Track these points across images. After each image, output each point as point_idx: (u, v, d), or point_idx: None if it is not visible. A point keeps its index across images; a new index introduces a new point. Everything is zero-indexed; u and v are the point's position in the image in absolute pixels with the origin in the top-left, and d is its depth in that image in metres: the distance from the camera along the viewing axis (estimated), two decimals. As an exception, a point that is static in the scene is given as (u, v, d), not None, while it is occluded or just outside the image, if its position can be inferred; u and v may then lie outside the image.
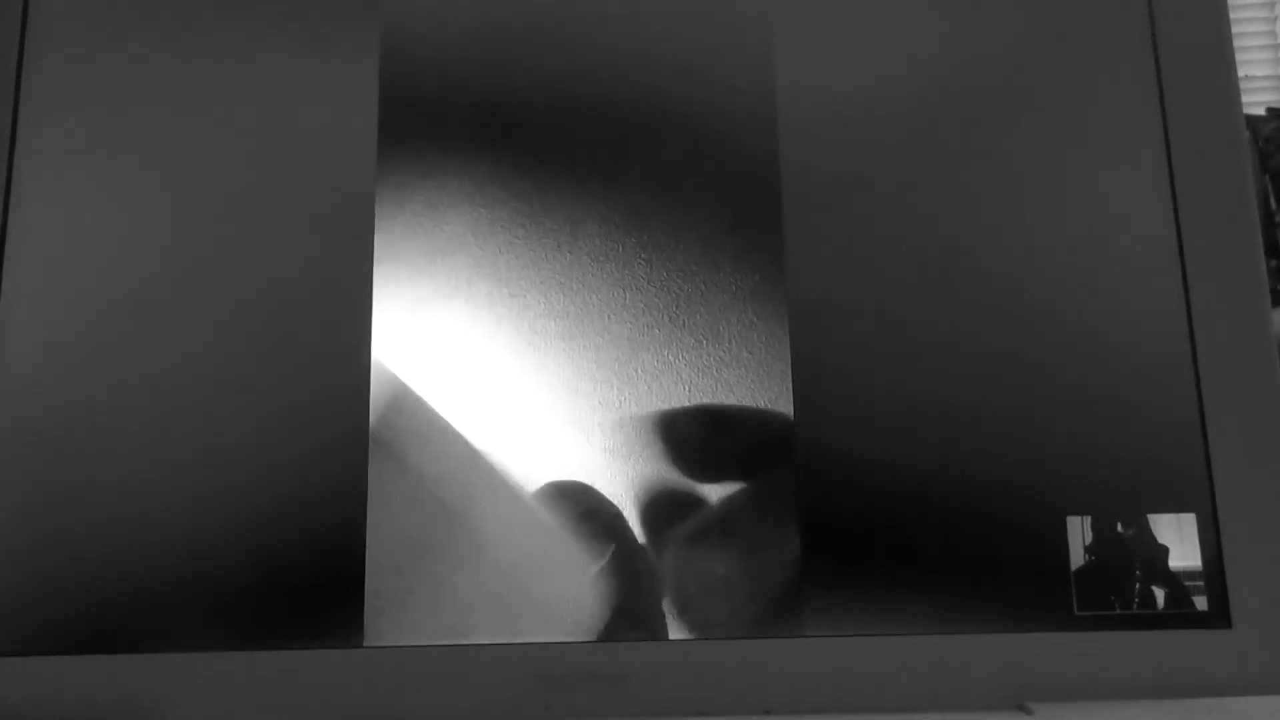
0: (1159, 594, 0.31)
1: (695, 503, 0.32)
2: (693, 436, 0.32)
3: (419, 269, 0.33)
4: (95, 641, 0.32)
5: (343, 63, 0.35)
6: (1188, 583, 0.31)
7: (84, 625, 0.32)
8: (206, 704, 0.31)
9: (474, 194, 0.34)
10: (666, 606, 0.31)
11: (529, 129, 0.34)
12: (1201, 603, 0.31)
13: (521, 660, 0.31)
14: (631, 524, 0.32)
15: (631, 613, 0.31)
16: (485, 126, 0.34)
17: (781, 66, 0.34)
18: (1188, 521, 0.31)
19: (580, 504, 0.32)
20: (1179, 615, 0.31)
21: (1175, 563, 0.31)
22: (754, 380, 0.32)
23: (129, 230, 0.34)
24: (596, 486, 0.32)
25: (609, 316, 0.33)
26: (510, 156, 0.34)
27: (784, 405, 0.32)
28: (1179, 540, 0.31)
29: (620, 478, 0.32)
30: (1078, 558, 0.31)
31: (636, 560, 0.31)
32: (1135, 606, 0.31)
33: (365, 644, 0.31)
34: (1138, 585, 0.31)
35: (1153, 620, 0.31)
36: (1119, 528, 0.31)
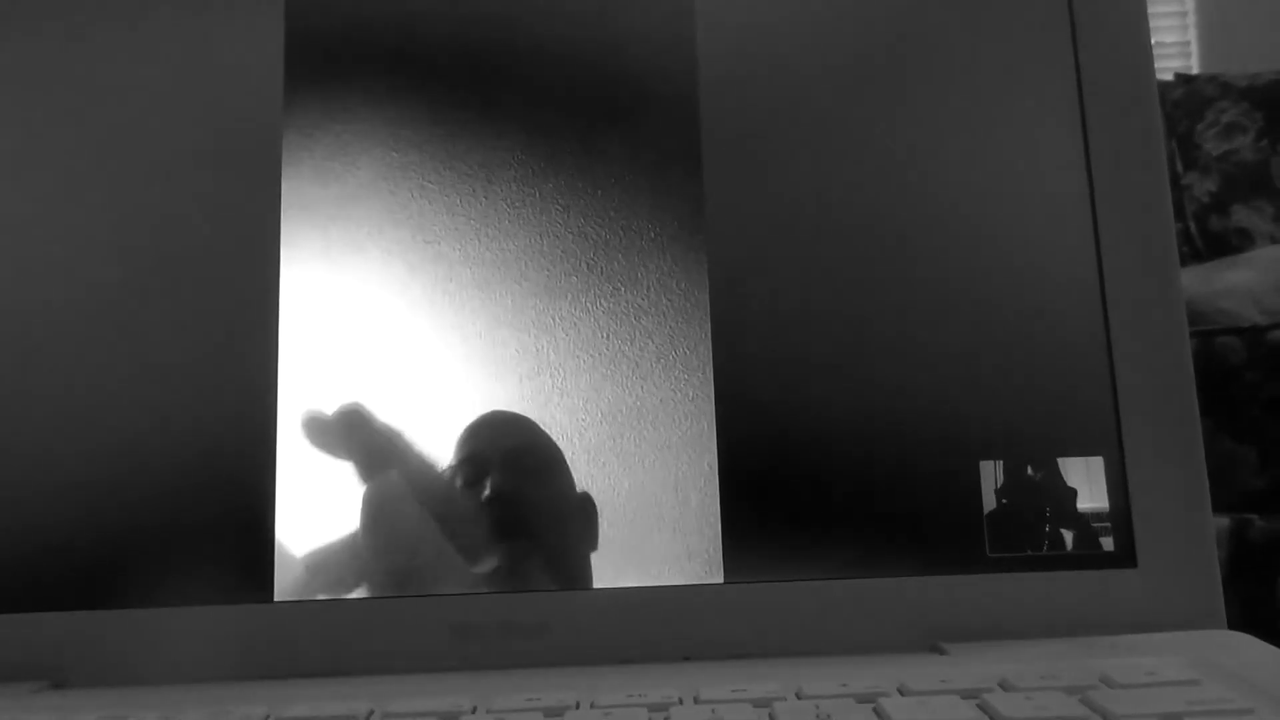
0: (1068, 535, 0.32)
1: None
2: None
3: (329, 215, 0.32)
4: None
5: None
6: (1095, 524, 0.32)
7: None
8: (112, 662, 0.30)
9: (386, 138, 0.33)
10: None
11: (442, 71, 0.33)
12: (1108, 543, 0.31)
13: (438, 612, 0.30)
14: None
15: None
16: (397, 67, 0.33)
17: (702, 11, 0.34)
18: (1095, 465, 0.32)
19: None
20: (1087, 556, 0.31)
21: (1083, 505, 0.32)
22: (672, 327, 0.32)
23: (24, 175, 0.33)
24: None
25: (525, 264, 0.32)
26: (423, 99, 0.33)
27: (703, 352, 0.32)
28: (1087, 483, 0.32)
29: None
30: (990, 501, 0.32)
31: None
32: (1045, 548, 0.31)
33: (275, 599, 0.30)
34: (1048, 527, 0.32)
35: (1062, 561, 0.31)
36: (1030, 471, 0.32)
